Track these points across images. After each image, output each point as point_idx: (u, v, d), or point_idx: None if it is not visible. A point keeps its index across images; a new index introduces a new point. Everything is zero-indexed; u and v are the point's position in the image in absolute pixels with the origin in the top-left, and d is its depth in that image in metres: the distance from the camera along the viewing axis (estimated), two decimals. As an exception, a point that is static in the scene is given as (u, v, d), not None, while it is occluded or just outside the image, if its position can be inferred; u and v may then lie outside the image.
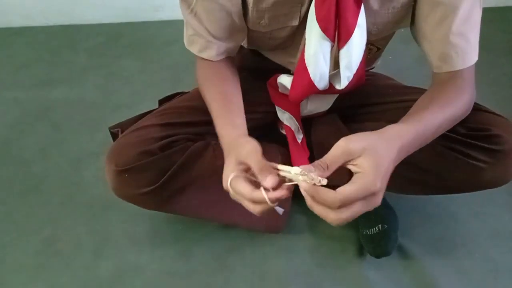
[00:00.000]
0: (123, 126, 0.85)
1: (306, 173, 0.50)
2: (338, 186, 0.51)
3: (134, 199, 0.80)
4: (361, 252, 0.92)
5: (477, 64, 0.70)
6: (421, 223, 0.97)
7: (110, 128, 0.87)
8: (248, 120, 0.95)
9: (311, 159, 0.89)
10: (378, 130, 0.58)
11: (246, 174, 0.57)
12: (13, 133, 1.27)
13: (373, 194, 0.51)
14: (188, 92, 0.91)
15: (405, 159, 0.80)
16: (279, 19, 0.72)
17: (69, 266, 0.93)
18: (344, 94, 0.82)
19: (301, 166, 0.51)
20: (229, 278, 0.89)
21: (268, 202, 0.53)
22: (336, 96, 0.86)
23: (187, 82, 1.35)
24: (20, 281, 0.91)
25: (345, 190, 0.50)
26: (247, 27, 0.75)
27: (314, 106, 0.88)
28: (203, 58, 0.78)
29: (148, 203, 0.82)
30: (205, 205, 0.86)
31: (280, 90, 0.88)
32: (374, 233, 0.88)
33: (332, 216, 0.51)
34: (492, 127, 0.72)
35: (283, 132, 0.93)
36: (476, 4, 0.67)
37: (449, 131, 0.73)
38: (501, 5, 1.71)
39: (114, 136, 0.87)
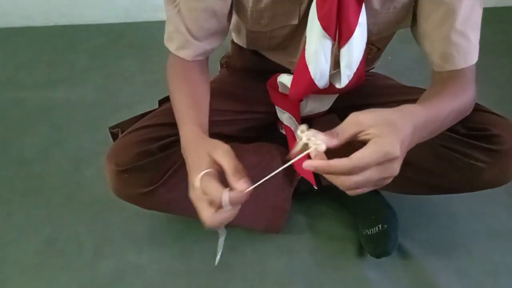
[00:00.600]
0: (123, 126, 0.85)
1: (311, 135, 0.46)
2: None
3: (134, 199, 0.80)
4: (361, 252, 0.92)
5: (476, 64, 0.70)
6: (421, 223, 0.97)
7: (110, 128, 0.87)
8: (248, 120, 0.95)
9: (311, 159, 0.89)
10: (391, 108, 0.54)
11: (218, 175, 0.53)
12: (14, 133, 1.27)
13: (390, 159, 0.47)
14: (188, 92, 0.91)
15: (405, 159, 0.80)
16: (278, 18, 0.72)
17: (69, 266, 0.93)
18: (343, 94, 0.82)
19: (310, 130, 0.48)
20: (229, 278, 0.89)
21: (226, 205, 0.49)
22: (336, 96, 0.86)
23: (187, 82, 1.35)
24: (21, 280, 0.91)
25: (358, 154, 0.47)
26: (246, 28, 0.75)
27: (314, 107, 0.88)
28: (177, 56, 0.76)
29: (148, 203, 0.82)
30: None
31: (280, 89, 0.88)
32: (374, 233, 0.88)
33: (342, 180, 0.48)
34: (491, 127, 0.72)
35: (283, 132, 0.93)
36: (477, 3, 0.67)
37: (449, 130, 0.73)
38: (501, 5, 1.72)
39: (114, 136, 0.87)
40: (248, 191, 0.50)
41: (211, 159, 0.53)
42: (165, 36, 0.77)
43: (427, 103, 0.62)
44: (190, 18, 0.71)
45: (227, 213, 0.51)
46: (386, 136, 0.48)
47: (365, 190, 0.49)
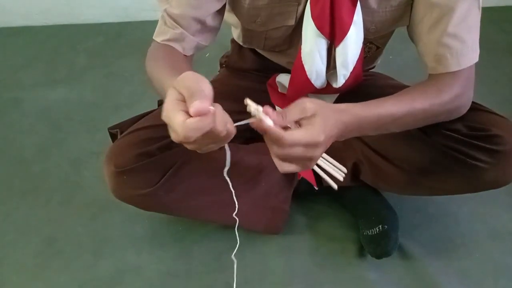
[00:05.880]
0: (122, 127, 0.84)
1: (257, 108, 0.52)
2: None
3: (133, 201, 0.80)
4: (361, 253, 0.92)
5: (477, 64, 0.69)
6: (422, 223, 0.97)
7: (109, 129, 0.87)
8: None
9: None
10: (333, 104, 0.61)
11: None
12: (13, 133, 1.27)
13: (315, 145, 0.54)
14: (188, 92, 0.91)
15: (404, 158, 0.80)
16: (275, 18, 0.72)
17: (69, 266, 0.93)
18: (343, 95, 0.82)
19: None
20: (229, 278, 0.89)
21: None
22: (336, 96, 0.86)
23: (187, 82, 1.35)
24: (20, 281, 0.91)
25: (294, 133, 0.53)
26: (242, 25, 0.75)
27: (314, 106, 0.88)
28: (161, 44, 0.73)
29: (147, 205, 0.82)
30: (204, 206, 0.86)
31: (279, 90, 0.88)
32: (375, 233, 0.88)
33: (275, 151, 0.54)
34: (492, 127, 0.71)
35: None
36: (474, 5, 0.66)
37: (450, 130, 0.73)
38: (502, 4, 1.71)
39: (113, 136, 0.86)
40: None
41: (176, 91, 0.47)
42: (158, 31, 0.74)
43: (375, 103, 0.63)
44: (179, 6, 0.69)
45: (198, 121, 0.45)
46: (316, 126, 0.55)
47: (293, 167, 0.56)
